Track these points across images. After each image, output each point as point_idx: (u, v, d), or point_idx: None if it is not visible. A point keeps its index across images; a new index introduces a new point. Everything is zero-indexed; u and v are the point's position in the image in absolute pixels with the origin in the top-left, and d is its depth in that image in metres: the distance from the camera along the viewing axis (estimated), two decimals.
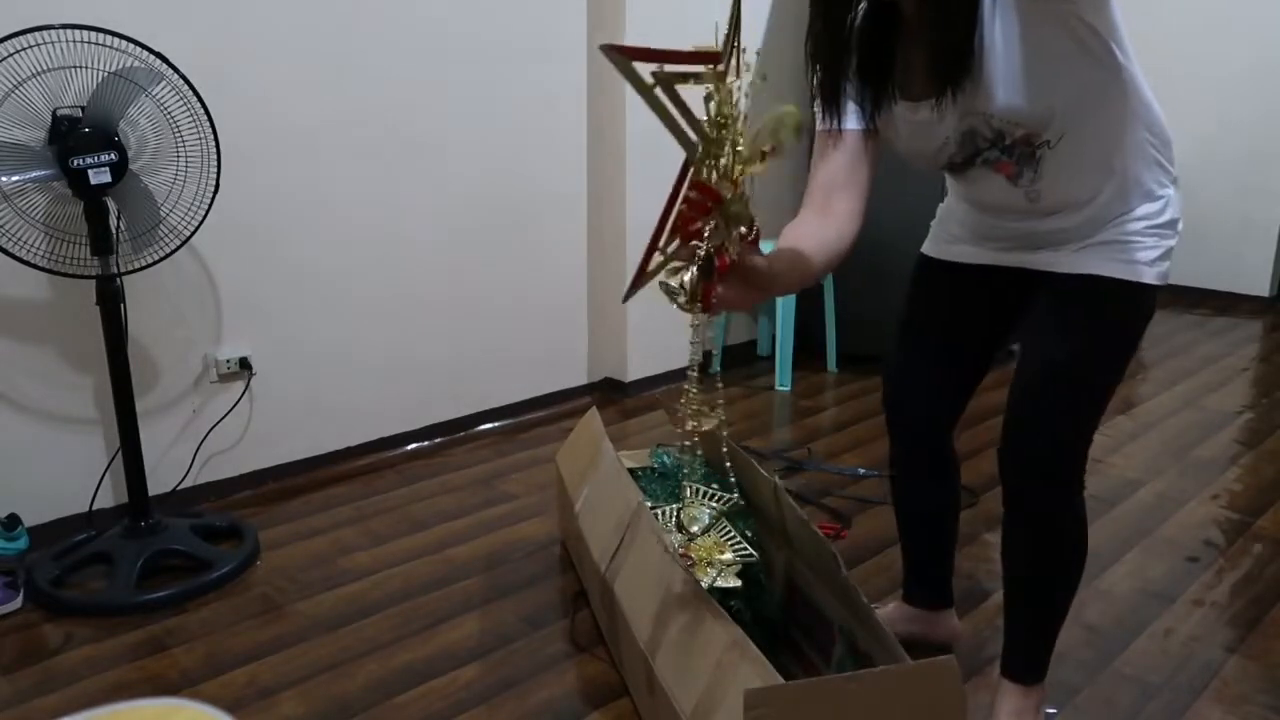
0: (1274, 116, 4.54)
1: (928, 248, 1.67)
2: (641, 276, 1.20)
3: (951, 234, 1.61)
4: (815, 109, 1.46)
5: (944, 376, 1.65)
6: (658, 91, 1.04)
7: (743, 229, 1.14)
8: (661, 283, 1.19)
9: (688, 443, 1.43)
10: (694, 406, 1.38)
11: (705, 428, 1.41)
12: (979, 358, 1.65)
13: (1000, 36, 1.26)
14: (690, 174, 1.11)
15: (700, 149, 1.10)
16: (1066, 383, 1.42)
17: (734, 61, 1.08)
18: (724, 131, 1.10)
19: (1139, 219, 1.42)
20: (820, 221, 1.40)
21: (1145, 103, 1.39)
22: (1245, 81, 4.59)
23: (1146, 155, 1.42)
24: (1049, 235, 1.46)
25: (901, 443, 1.72)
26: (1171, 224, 1.46)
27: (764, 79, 1.11)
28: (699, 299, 1.16)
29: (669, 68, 1.04)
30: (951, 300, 1.63)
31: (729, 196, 1.11)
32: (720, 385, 1.53)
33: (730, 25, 1.10)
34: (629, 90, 3.35)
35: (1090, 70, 1.30)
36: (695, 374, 1.34)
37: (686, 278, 1.16)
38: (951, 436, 1.70)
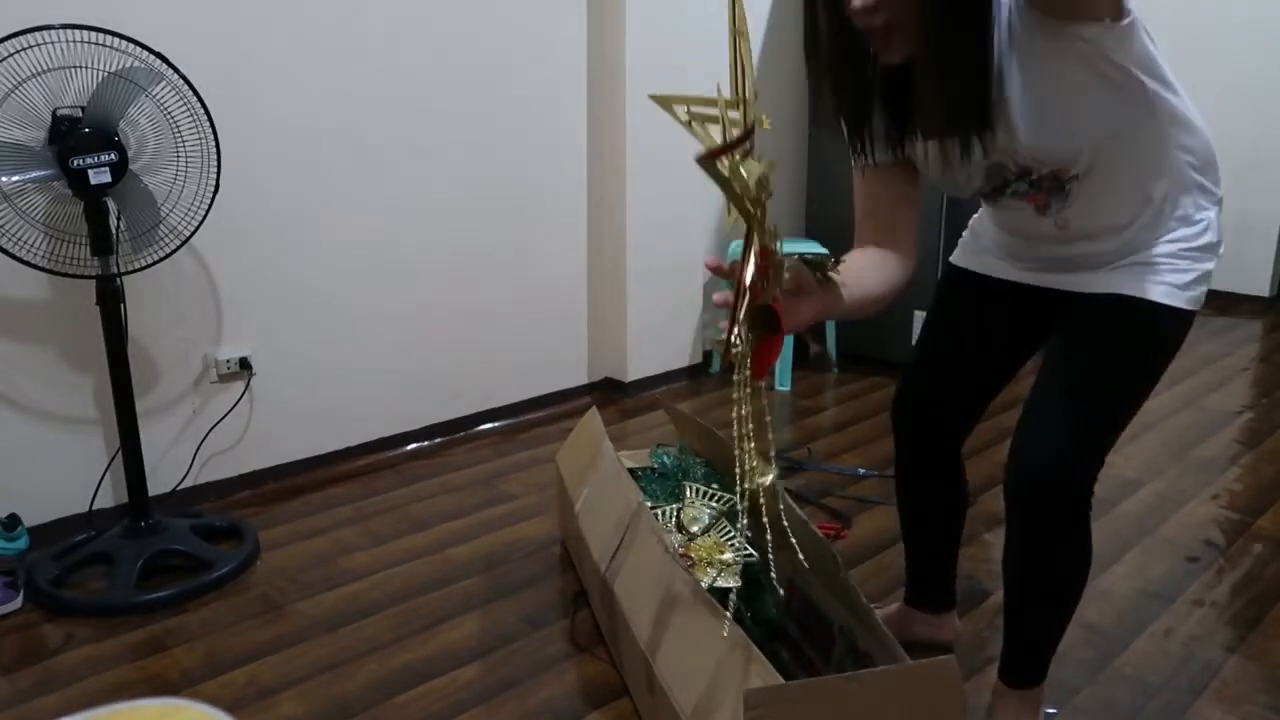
0: (1274, 116, 4.54)
1: (957, 257, 1.65)
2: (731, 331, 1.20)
3: (982, 246, 1.59)
4: (847, 143, 1.45)
5: (960, 390, 1.64)
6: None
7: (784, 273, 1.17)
8: (730, 345, 1.21)
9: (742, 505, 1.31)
10: (750, 465, 1.34)
11: (762, 481, 1.33)
12: (998, 373, 1.63)
13: (1019, 78, 1.24)
14: (755, 243, 1.12)
15: (757, 216, 1.12)
16: (1080, 401, 1.37)
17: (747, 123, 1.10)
18: (764, 195, 1.12)
19: (1174, 241, 1.37)
20: (876, 255, 1.41)
21: (1184, 125, 1.35)
22: (1245, 81, 4.59)
23: (1185, 179, 1.37)
24: (1080, 259, 1.43)
25: (908, 449, 1.71)
26: (1210, 247, 1.39)
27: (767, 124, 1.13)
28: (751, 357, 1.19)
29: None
30: (977, 313, 1.61)
31: (774, 250, 1.13)
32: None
33: (739, 92, 1.14)
34: (629, 90, 3.36)
35: (1118, 104, 1.28)
36: (749, 442, 1.29)
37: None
38: (960, 448, 1.69)
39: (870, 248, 1.43)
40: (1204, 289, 1.38)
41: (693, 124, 1.13)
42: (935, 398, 1.65)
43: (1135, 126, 1.31)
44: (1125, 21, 1.21)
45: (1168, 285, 1.35)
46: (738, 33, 1.09)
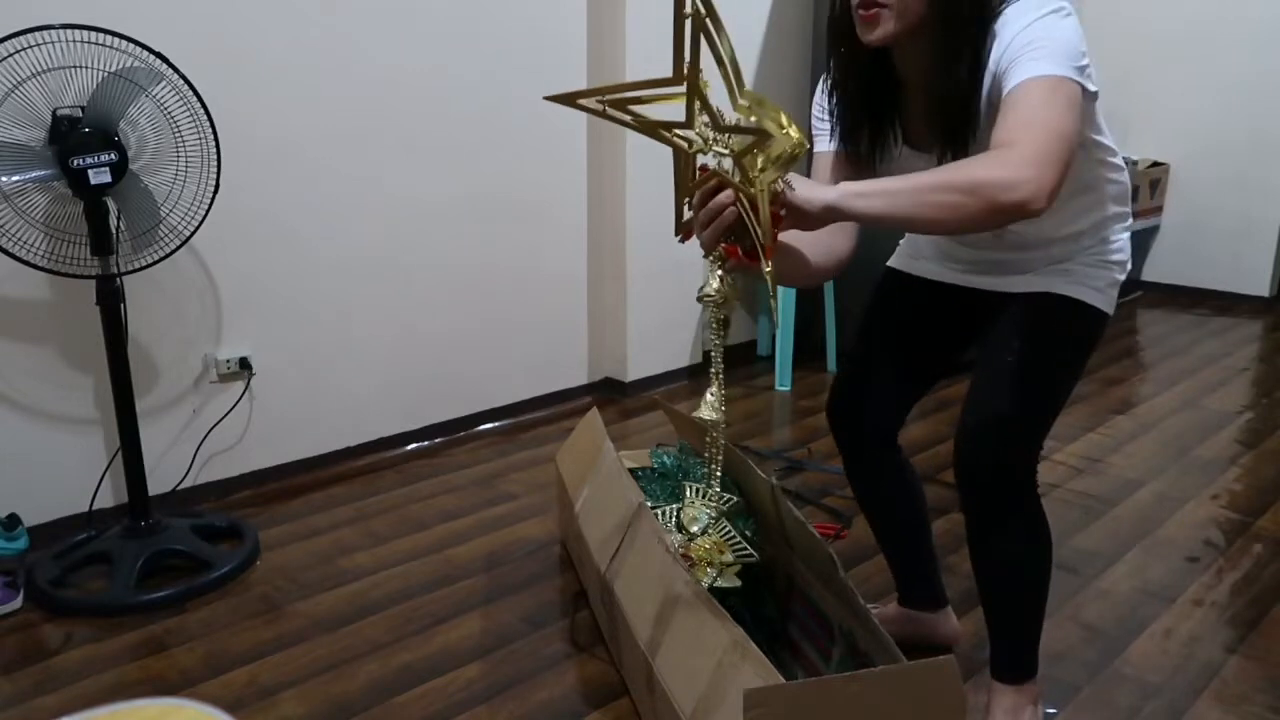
0: (1274, 116, 4.54)
1: (894, 261, 1.74)
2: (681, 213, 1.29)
3: (918, 250, 1.68)
4: (815, 126, 1.54)
5: (889, 390, 1.69)
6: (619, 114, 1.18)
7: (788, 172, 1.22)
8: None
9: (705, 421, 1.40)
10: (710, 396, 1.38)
11: (704, 415, 1.41)
12: (928, 373, 1.71)
13: (986, 105, 1.31)
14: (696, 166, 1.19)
15: (698, 145, 1.17)
16: (1015, 384, 1.45)
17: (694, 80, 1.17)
18: (722, 135, 1.15)
19: (1094, 254, 1.50)
20: (812, 234, 1.46)
21: (1111, 164, 1.50)
22: (1246, 81, 4.59)
23: (1108, 204, 1.51)
24: (1010, 264, 1.54)
25: (848, 452, 1.75)
26: (1122, 263, 1.53)
27: (752, 105, 1.19)
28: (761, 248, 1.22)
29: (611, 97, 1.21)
30: (910, 314, 1.69)
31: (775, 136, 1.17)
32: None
33: (681, 46, 1.18)
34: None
35: None
36: (718, 367, 1.37)
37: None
38: (895, 441, 1.74)
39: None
40: (1115, 296, 1.53)
41: (608, 110, 1.21)
42: (872, 392, 1.70)
43: (1073, 165, 1.39)
44: (1088, 95, 1.28)
45: (1089, 287, 1.49)
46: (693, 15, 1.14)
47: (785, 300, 3.41)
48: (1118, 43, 4.93)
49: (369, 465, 2.73)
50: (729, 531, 1.69)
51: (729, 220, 1.23)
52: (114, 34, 1.89)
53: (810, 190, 1.23)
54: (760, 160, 1.18)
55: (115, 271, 2.01)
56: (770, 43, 3.60)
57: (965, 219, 1.19)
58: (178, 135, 2.00)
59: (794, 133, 1.17)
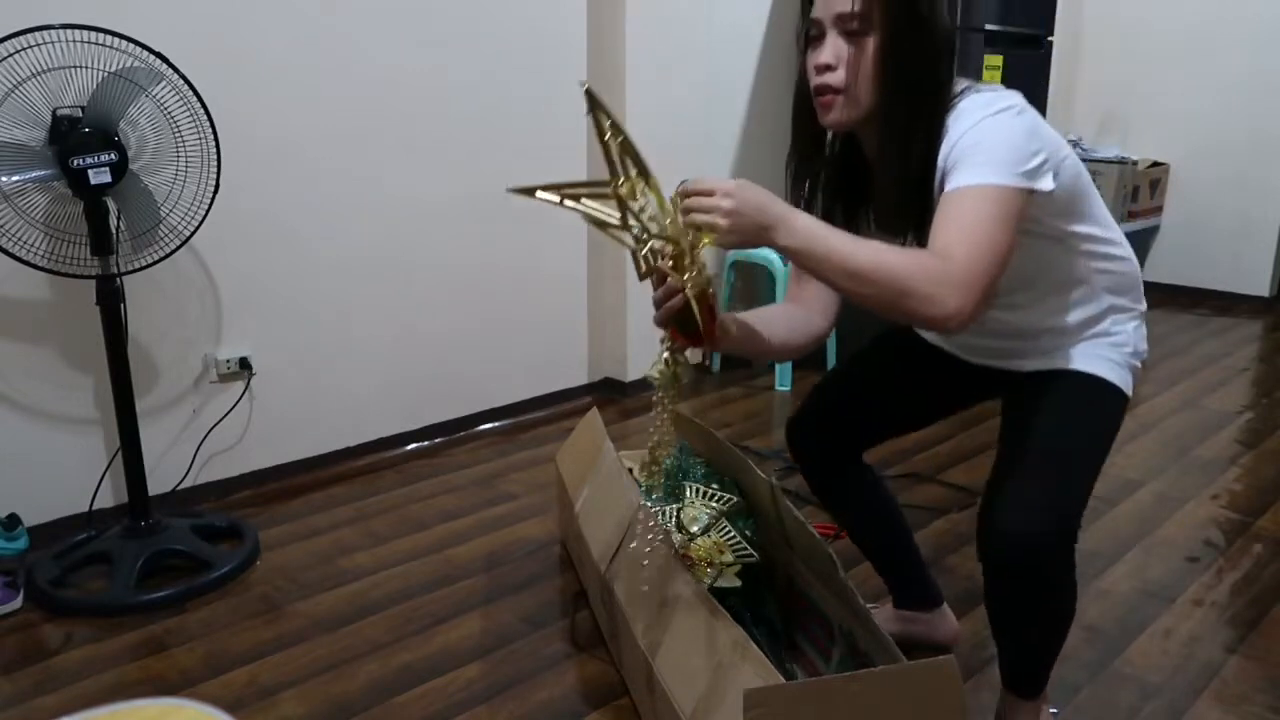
0: (1273, 116, 4.54)
1: None
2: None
3: None
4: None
5: (868, 424, 1.69)
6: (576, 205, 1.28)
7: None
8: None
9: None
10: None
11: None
12: (898, 425, 1.72)
13: (939, 193, 1.28)
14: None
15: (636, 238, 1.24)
16: (1047, 468, 1.35)
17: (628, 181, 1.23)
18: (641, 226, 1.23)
19: (1095, 344, 1.45)
20: (789, 307, 1.51)
21: (1101, 255, 1.43)
22: (1246, 80, 4.59)
23: (1099, 297, 1.45)
24: (1002, 350, 1.52)
25: (806, 474, 1.74)
26: (1132, 352, 1.47)
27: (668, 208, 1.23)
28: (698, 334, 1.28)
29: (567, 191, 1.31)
30: (909, 363, 1.66)
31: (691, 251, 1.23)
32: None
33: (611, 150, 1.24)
34: (628, 91, 3.36)
35: (1033, 241, 1.35)
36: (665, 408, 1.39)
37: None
38: (858, 461, 1.72)
39: (790, 303, 1.53)
40: (1130, 379, 1.46)
41: (565, 202, 1.31)
42: (832, 430, 1.68)
43: (1047, 257, 1.40)
44: (1038, 195, 1.25)
45: (1100, 361, 1.44)
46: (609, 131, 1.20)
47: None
48: (1118, 43, 4.94)
49: (369, 465, 2.73)
50: (729, 531, 1.69)
51: (677, 306, 1.24)
52: (114, 34, 1.89)
53: (752, 205, 1.18)
54: (687, 263, 1.22)
55: (115, 271, 2.01)
56: (770, 42, 3.60)
57: (882, 310, 1.18)
58: (178, 135, 2.00)
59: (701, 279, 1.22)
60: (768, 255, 3.38)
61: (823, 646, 1.61)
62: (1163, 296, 4.82)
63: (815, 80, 1.32)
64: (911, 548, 1.80)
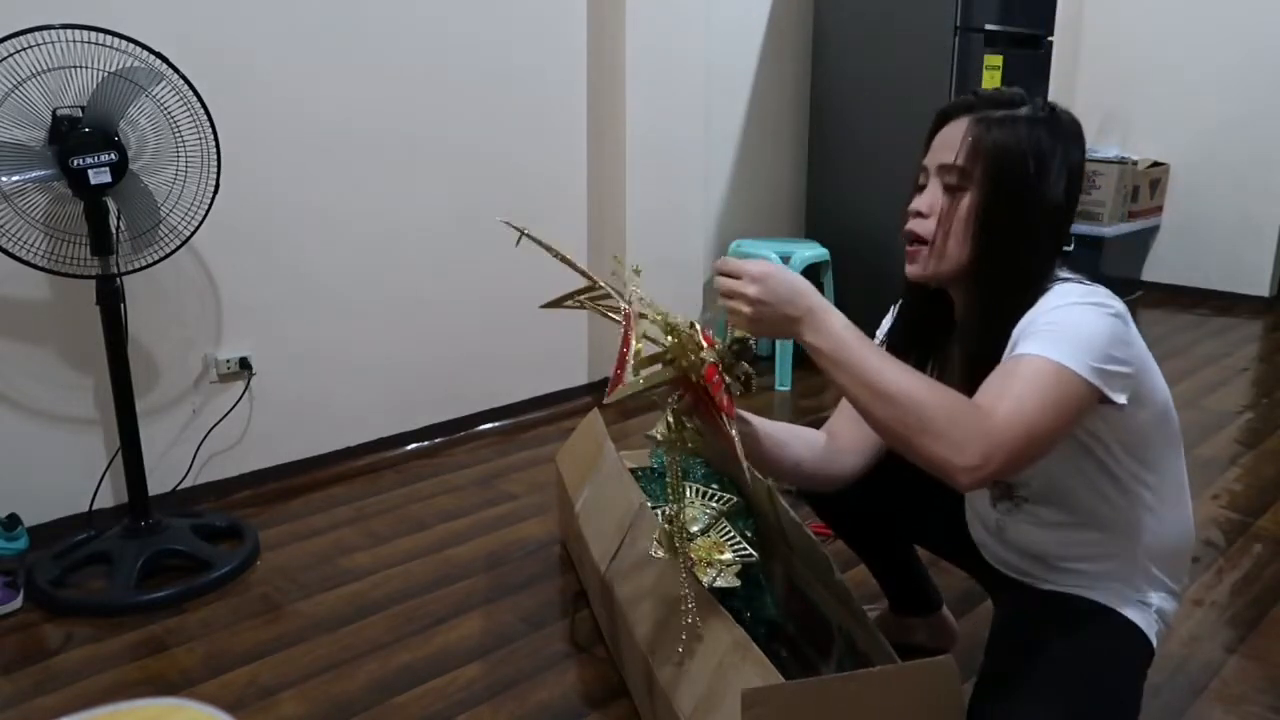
0: (1274, 116, 4.54)
1: None
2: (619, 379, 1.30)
3: None
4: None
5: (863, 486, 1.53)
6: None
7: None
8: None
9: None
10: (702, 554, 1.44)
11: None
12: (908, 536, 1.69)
13: None
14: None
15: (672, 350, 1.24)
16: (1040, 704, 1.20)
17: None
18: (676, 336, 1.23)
19: (1118, 590, 1.32)
20: (817, 433, 1.44)
21: (1158, 512, 1.31)
22: (1246, 80, 4.59)
23: (1135, 557, 1.32)
24: (1012, 564, 1.42)
25: (807, 498, 1.70)
26: (1160, 615, 1.33)
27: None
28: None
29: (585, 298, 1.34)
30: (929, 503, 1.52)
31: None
32: None
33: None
34: (629, 90, 3.37)
35: (1083, 458, 1.26)
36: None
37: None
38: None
39: (825, 433, 1.45)
40: (1154, 623, 1.32)
41: (585, 304, 1.35)
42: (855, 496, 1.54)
43: (1094, 485, 1.28)
44: (1114, 408, 1.16)
45: (1121, 599, 1.31)
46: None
47: None
48: (1118, 43, 4.94)
49: (369, 465, 2.73)
50: (729, 531, 1.69)
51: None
52: (114, 34, 1.89)
53: (780, 296, 1.14)
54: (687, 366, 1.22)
55: (115, 271, 2.01)
56: (770, 43, 3.60)
57: (897, 442, 1.11)
58: (178, 135, 2.00)
59: (708, 355, 1.21)
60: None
61: (823, 646, 1.60)
62: (1163, 296, 4.82)
63: (905, 225, 1.27)
64: (913, 559, 1.78)
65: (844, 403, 1.44)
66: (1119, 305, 1.17)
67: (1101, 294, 1.18)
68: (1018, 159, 1.21)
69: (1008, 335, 1.18)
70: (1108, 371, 1.12)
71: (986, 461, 1.05)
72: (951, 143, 1.24)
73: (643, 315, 1.27)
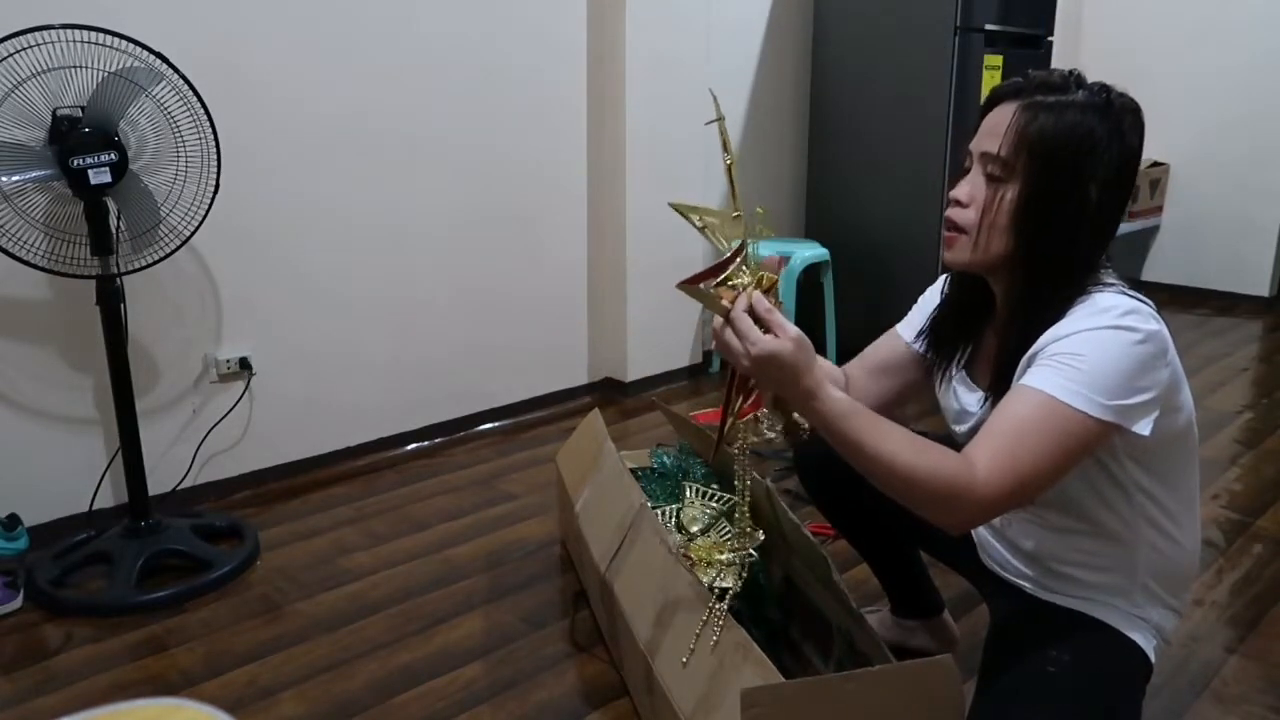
0: (1274, 116, 4.54)
1: None
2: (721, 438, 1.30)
3: None
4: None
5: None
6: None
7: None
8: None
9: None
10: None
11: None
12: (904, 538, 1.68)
13: None
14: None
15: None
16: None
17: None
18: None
19: (1108, 607, 1.30)
20: (843, 377, 1.47)
21: (1166, 529, 1.27)
22: (1246, 80, 4.59)
23: (1135, 572, 1.28)
24: (1007, 564, 1.40)
25: (813, 497, 1.70)
26: (1158, 632, 1.31)
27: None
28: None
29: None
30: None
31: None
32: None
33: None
34: (629, 89, 3.37)
35: (1098, 471, 1.24)
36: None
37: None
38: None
39: (844, 375, 1.48)
40: (1153, 640, 1.29)
41: (707, 231, 1.27)
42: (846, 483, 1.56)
43: (1101, 494, 1.26)
44: (1135, 437, 1.13)
45: (1120, 615, 1.28)
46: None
47: (785, 301, 3.40)
48: (1119, 43, 4.94)
49: (369, 465, 2.73)
50: (729, 531, 1.69)
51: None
52: (114, 34, 1.89)
53: (770, 379, 1.13)
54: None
55: (115, 271, 2.01)
56: (770, 43, 3.60)
57: (895, 495, 1.11)
58: (178, 135, 2.00)
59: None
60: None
61: (822, 646, 1.60)
62: (1163, 297, 4.82)
63: (946, 211, 1.24)
64: (916, 563, 1.76)
65: (862, 356, 1.48)
66: (1153, 326, 1.13)
67: (1138, 315, 1.13)
68: (1065, 151, 1.16)
69: (1040, 334, 1.16)
70: (1126, 406, 1.09)
71: (973, 520, 1.12)
72: (996, 130, 1.19)
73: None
